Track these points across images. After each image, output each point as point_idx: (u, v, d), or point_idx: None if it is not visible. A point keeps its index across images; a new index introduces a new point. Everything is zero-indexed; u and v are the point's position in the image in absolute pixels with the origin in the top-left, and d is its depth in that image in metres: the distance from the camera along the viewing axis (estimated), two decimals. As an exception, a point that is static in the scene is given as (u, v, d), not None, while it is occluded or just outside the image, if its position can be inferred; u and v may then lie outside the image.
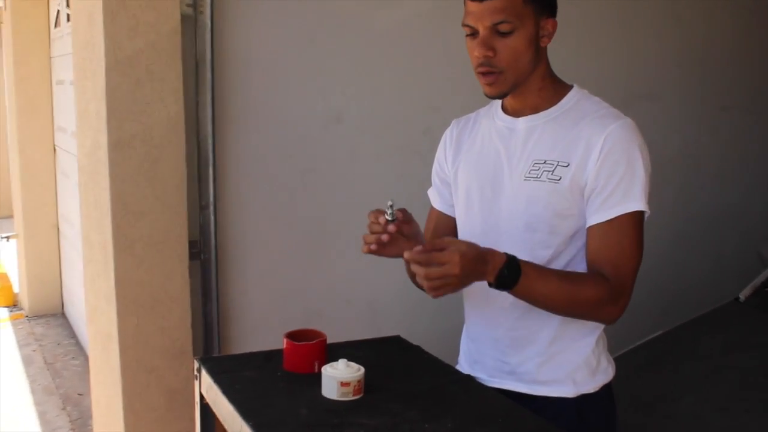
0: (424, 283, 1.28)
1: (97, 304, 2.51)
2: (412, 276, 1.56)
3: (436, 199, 1.68)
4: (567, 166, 1.42)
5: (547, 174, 1.44)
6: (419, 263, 1.28)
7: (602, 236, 1.40)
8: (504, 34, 1.41)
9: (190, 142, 2.40)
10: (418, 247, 1.29)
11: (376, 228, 1.40)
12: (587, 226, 1.43)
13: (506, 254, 1.33)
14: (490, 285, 1.34)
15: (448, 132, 1.69)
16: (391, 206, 1.37)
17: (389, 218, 1.39)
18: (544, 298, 1.37)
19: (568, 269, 1.46)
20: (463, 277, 1.28)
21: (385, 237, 1.39)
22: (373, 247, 1.40)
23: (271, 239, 2.64)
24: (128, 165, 2.27)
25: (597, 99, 1.51)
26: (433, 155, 1.72)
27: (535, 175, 1.45)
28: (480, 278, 1.32)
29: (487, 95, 1.48)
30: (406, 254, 1.29)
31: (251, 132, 2.56)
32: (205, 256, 2.48)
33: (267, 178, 2.61)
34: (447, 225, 1.65)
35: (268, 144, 2.60)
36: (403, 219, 1.44)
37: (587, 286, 1.38)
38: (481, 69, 1.44)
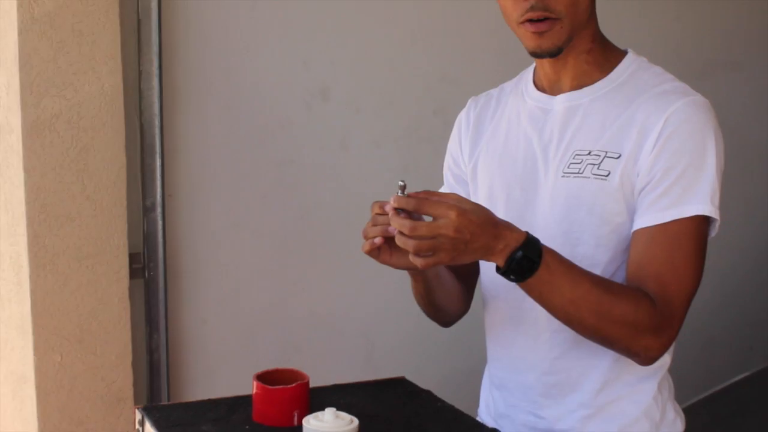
0: (408, 243, 1.26)
1: (8, 336, 2.48)
2: (421, 293, 1.58)
3: None
4: (617, 158, 1.43)
5: (592, 168, 1.44)
6: (406, 210, 1.27)
7: (649, 245, 1.40)
8: None
9: (130, 125, 2.39)
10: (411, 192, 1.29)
11: (381, 220, 1.35)
12: (633, 229, 1.42)
13: (528, 234, 1.32)
14: (498, 271, 1.33)
15: (463, 114, 1.70)
16: (403, 187, 1.32)
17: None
18: (566, 304, 1.35)
19: None
20: (459, 243, 1.26)
21: (393, 229, 1.33)
22: (378, 240, 1.35)
23: (238, 251, 2.64)
24: (49, 154, 2.26)
25: (658, 69, 1.52)
26: (446, 142, 1.73)
27: (577, 170, 1.46)
28: (486, 255, 1.30)
29: (535, 52, 1.47)
30: (393, 199, 1.27)
31: (211, 112, 2.55)
32: (150, 274, 2.49)
33: (232, 171, 2.61)
34: None
35: (233, 127, 2.59)
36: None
37: (626, 301, 1.36)
38: (531, 14, 1.41)
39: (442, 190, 1.72)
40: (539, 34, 1.43)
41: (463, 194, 1.66)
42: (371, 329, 2.85)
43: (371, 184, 2.73)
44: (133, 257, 2.43)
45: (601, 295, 1.35)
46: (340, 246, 2.72)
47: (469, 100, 1.70)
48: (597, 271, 1.44)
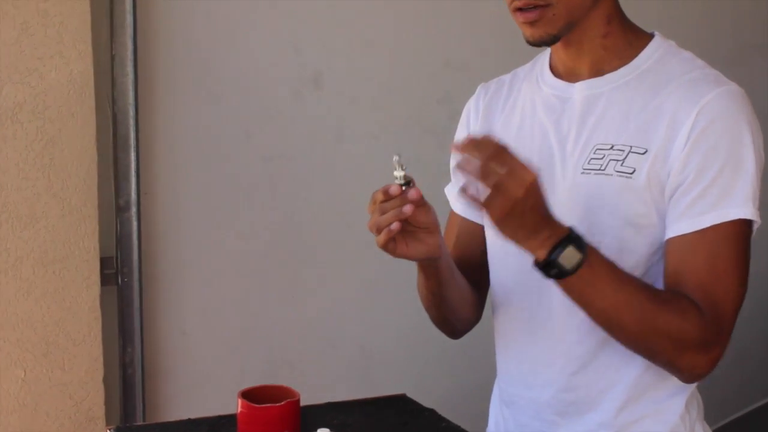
0: (477, 171, 1.27)
1: (-34, 349, 2.50)
2: (432, 289, 1.56)
3: (457, 200, 1.70)
4: (644, 154, 1.42)
5: (616, 164, 1.44)
6: (481, 150, 1.27)
7: (688, 254, 1.39)
8: None
9: (102, 116, 2.38)
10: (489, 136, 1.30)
11: (389, 205, 1.37)
12: (666, 237, 1.42)
13: (572, 228, 1.34)
14: (537, 265, 1.34)
15: (472, 102, 1.69)
16: (400, 162, 1.35)
17: (401, 182, 1.36)
18: (608, 307, 1.36)
19: None
20: (518, 204, 1.27)
21: (408, 208, 1.36)
22: (395, 226, 1.36)
23: (222, 255, 2.63)
24: (11, 148, 2.25)
25: (688, 55, 1.51)
26: (452, 133, 1.72)
27: (598, 166, 1.46)
28: (527, 239, 1.31)
29: (529, 41, 1.46)
30: (466, 139, 1.29)
31: (191, 101, 2.55)
32: (124, 280, 2.48)
33: (215, 167, 2.60)
34: (473, 236, 1.66)
35: (216, 119, 2.58)
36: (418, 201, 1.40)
37: (672, 310, 1.37)
38: (517, 3, 1.43)
39: (449, 186, 1.71)
40: (530, 22, 1.42)
41: (471, 190, 1.64)
42: (369, 341, 2.84)
43: (369, 181, 2.53)
44: (104, 262, 2.42)
45: (645, 301, 1.36)
46: (335, 249, 2.72)
47: (479, 87, 1.69)
48: None
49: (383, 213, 1.36)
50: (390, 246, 1.39)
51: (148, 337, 2.53)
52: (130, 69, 2.41)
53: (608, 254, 1.41)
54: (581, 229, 1.42)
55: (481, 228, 1.63)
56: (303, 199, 2.73)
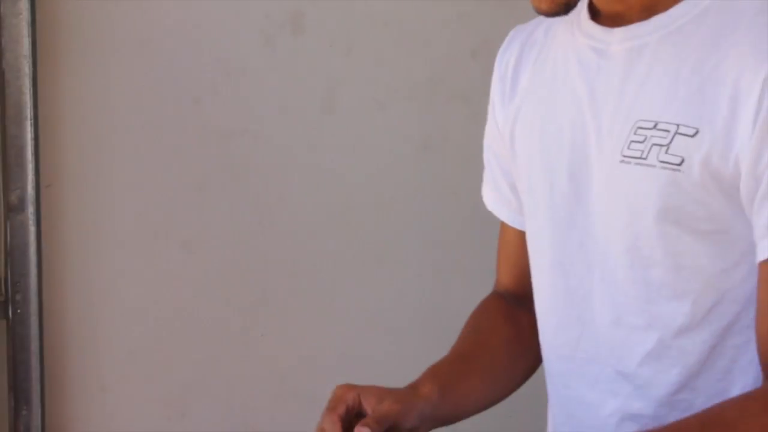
0: None
1: None
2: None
3: (493, 198, 1.73)
4: (693, 136, 1.40)
5: (659, 151, 1.43)
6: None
7: None
8: None
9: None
10: None
11: None
12: (757, 260, 1.40)
13: None
14: None
15: (500, 54, 1.71)
16: None
17: None
18: None
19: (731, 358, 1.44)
20: None
21: None
22: None
23: (159, 275, 2.63)
24: None
25: None
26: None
27: (639, 153, 1.45)
28: None
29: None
30: None
31: (115, 53, 2.55)
32: (16, 311, 2.48)
33: (148, 149, 2.60)
34: (526, 253, 1.64)
35: (150, 78, 2.59)
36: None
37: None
38: None
39: (484, 188, 1.74)
40: None
41: (503, 183, 1.69)
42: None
43: (369, 168, 2.70)
44: (-13, 286, 2.34)
45: None
46: (320, 265, 2.71)
47: (511, 32, 1.70)
48: (684, 305, 1.45)
49: None
50: None
51: (52, 394, 2.55)
52: (24, 5, 2.42)
53: (664, 274, 1.47)
54: (625, 240, 1.49)
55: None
56: (275, 193, 2.69)
